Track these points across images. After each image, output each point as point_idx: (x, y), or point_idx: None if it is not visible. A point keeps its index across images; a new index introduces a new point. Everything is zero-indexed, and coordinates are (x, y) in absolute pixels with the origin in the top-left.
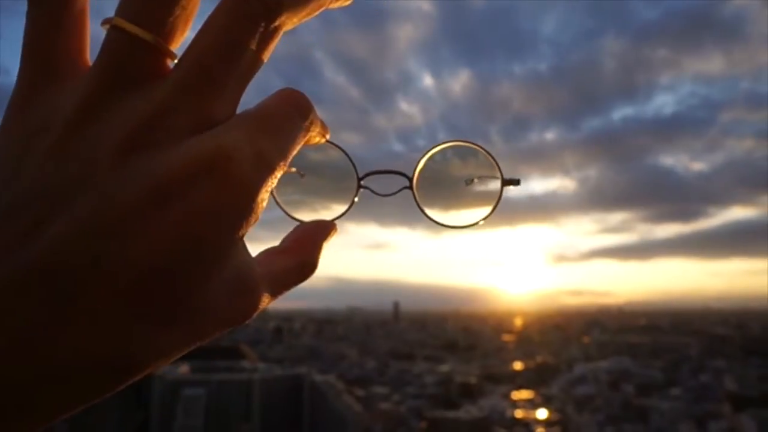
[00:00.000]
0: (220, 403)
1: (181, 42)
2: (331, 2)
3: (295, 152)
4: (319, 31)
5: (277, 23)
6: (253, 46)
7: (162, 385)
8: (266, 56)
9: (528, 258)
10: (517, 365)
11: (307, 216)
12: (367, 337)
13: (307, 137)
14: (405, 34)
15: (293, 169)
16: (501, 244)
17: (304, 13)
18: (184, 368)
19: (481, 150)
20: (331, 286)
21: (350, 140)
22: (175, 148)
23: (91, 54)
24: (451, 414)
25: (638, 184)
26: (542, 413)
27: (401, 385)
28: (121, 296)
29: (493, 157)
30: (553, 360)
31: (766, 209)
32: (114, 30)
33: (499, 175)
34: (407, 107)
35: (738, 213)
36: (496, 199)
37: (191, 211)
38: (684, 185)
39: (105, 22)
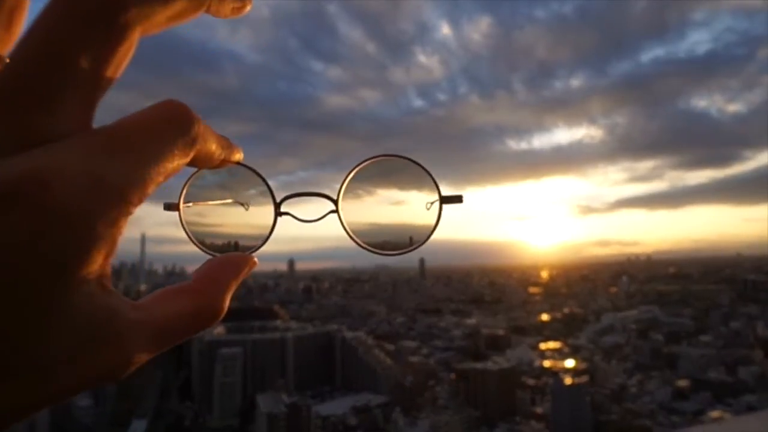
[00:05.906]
0: (256, 360)
1: (10, 45)
2: (213, 10)
3: (162, 175)
4: None
5: (122, 23)
6: (92, 53)
7: (201, 346)
8: (113, 66)
9: (553, 211)
10: (544, 317)
11: (223, 248)
12: (394, 294)
13: (190, 157)
14: None
15: (213, 201)
16: (526, 198)
17: (167, 13)
18: (220, 329)
19: (417, 164)
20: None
21: (368, 97)
22: None
23: None
24: (479, 365)
25: (669, 129)
26: (570, 362)
27: (430, 338)
28: None
29: (429, 173)
30: (580, 311)
31: None
32: None
33: (436, 191)
34: (426, 60)
35: None
36: (435, 220)
37: None
38: (718, 128)
39: None
